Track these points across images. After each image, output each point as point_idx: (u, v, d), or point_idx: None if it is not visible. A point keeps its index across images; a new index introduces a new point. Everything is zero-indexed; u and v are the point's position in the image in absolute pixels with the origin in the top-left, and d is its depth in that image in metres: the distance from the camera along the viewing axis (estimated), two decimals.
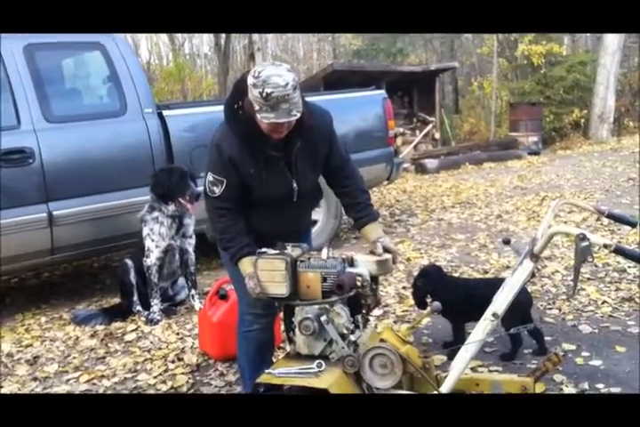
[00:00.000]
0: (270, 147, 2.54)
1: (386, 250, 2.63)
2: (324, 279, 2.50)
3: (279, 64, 2.42)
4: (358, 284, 2.53)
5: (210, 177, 2.59)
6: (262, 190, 2.61)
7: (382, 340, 2.54)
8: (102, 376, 3.58)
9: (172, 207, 4.36)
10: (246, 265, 2.56)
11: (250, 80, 2.37)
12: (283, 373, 2.43)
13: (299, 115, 2.42)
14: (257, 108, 2.38)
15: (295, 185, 2.63)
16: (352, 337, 2.52)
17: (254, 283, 2.48)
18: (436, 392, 2.47)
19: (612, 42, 13.49)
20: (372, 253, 2.70)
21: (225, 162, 2.55)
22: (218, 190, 2.58)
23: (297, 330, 2.50)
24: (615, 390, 2.97)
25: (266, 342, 2.86)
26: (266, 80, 2.32)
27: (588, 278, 4.48)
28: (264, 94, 2.32)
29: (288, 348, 2.69)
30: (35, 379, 3.60)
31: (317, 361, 2.43)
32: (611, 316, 3.86)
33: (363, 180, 2.87)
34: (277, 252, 2.56)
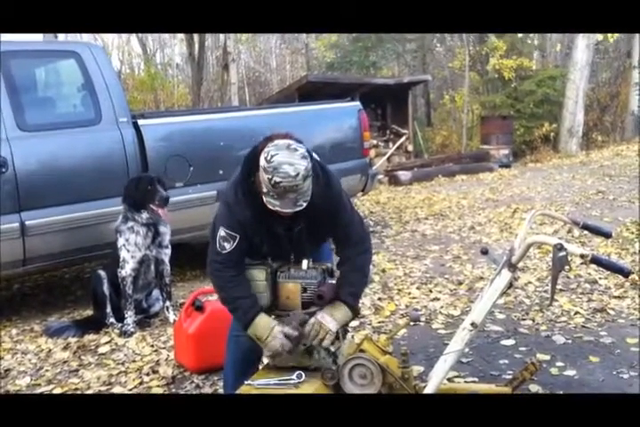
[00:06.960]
0: (277, 224, 2.48)
1: (302, 323, 2.48)
2: (304, 290, 2.51)
3: (294, 149, 2.31)
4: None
5: (222, 232, 2.48)
6: (260, 253, 2.59)
7: (362, 350, 2.55)
8: (76, 389, 3.51)
9: (145, 215, 4.34)
10: None
11: (261, 161, 2.29)
12: (262, 384, 2.42)
13: (305, 205, 2.34)
14: (264, 190, 2.32)
15: (292, 256, 2.59)
16: (332, 348, 2.52)
17: None
18: None
19: (581, 57, 13.75)
20: None
21: (235, 222, 2.49)
22: (229, 246, 2.48)
23: None
24: None
25: (254, 351, 2.79)
26: (277, 168, 2.24)
27: (561, 290, 4.53)
28: (272, 182, 2.25)
29: (266, 359, 2.68)
30: (6, 392, 3.52)
31: (297, 372, 2.43)
32: (583, 326, 3.91)
33: (369, 257, 2.69)
34: (257, 262, 2.56)
